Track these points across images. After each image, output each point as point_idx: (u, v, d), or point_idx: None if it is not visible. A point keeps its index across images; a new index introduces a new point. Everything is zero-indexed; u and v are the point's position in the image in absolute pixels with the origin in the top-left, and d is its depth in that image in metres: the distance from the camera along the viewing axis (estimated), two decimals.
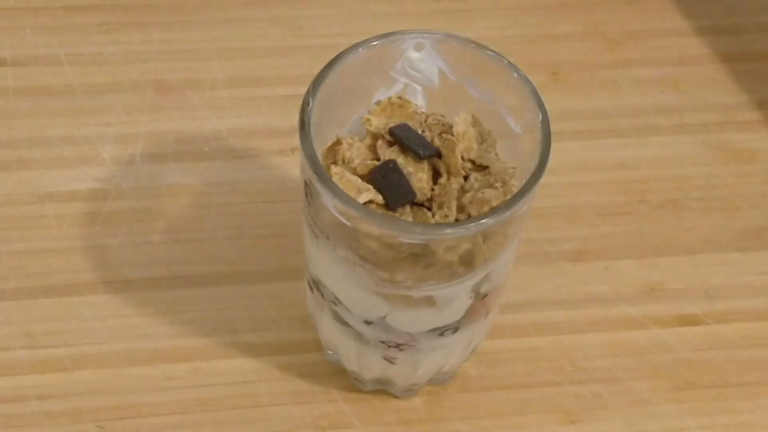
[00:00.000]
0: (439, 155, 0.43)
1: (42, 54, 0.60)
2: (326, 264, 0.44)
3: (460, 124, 0.44)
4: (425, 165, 0.43)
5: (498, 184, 0.42)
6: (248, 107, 0.59)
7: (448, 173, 0.43)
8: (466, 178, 0.43)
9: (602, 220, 0.56)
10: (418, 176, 0.42)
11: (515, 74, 0.44)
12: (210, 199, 0.56)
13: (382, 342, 0.46)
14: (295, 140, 0.42)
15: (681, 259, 0.55)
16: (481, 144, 0.44)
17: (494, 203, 0.42)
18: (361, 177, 0.42)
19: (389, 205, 0.42)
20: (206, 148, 0.57)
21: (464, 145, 0.43)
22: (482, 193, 0.42)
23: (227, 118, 0.58)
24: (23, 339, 0.51)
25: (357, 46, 0.44)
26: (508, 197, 0.42)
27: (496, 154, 0.44)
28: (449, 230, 0.41)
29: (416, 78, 0.45)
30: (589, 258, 0.55)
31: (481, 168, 0.43)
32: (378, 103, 0.44)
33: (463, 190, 0.43)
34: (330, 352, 0.50)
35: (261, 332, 0.52)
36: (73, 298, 0.52)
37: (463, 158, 0.43)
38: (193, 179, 0.56)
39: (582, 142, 0.59)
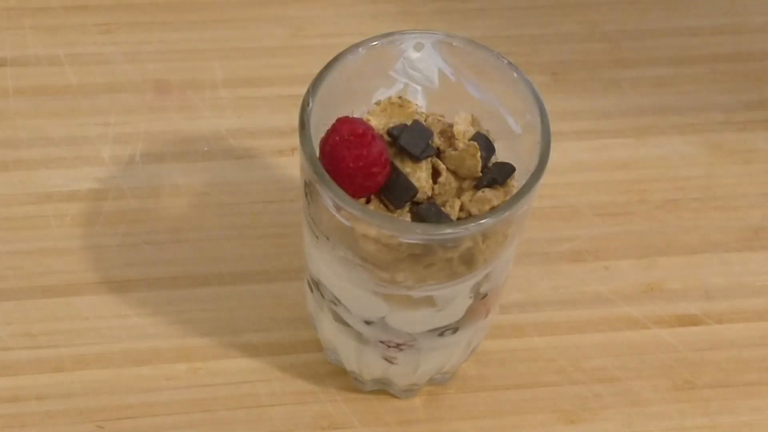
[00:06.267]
0: (438, 154, 0.43)
1: (42, 54, 0.60)
2: (326, 264, 0.44)
3: (460, 123, 0.44)
4: (424, 164, 0.43)
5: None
6: (248, 107, 0.59)
7: (450, 172, 0.43)
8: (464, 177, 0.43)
9: (602, 220, 0.56)
10: (417, 176, 0.42)
11: (515, 74, 0.44)
12: (210, 199, 0.56)
13: (382, 342, 0.46)
14: (295, 140, 0.42)
15: (681, 259, 0.55)
16: None
17: (495, 202, 0.42)
18: None
19: (393, 204, 0.42)
20: (206, 148, 0.57)
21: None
22: (483, 192, 0.42)
23: (227, 118, 0.58)
24: (23, 339, 0.51)
25: (357, 46, 0.44)
26: (508, 197, 0.42)
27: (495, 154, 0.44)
28: (449, 230, 0.40)
29: (416, 78, 0.45)
30: (589, 258, 0.55)
31: None
32: (378, 103, 0.44)
33: (461, 189, 0.43)
34: (330, 352, 0.50)
35: (261, 332, 0.52)
36: (73, 298, 0.52)
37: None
38: (193, 179, 0.56)
39: (582, 142, 0.59)
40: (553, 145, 0.42)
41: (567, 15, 0.64)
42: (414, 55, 0.45)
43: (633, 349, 0.52)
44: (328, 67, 0.43)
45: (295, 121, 0.42)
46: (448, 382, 0.51)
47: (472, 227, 0.40)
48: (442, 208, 0.42)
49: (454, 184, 0.43)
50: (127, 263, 0.53)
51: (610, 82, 0.61)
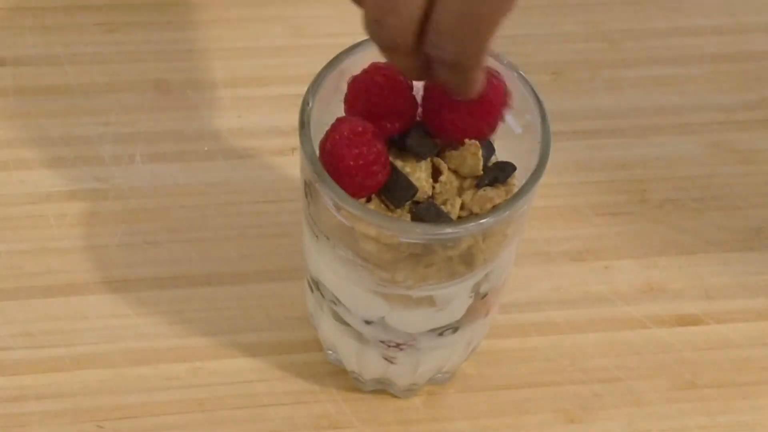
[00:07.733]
0: (438, 153, 0.43)
1: (42, 54, 0.60)
2: (326, 264, 0.44)
3: None
4: (424, 164, 0.43)
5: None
6: (248, 107, 0.59)
7: (451, 171, 0.43)
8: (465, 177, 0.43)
9: (602, 220, 0.56)
10: (417, 175, 0.42)
11: (515, 74, 0.44)
12: (210, 199, 0.56)
13: (382, 342, 0.46)
14: (295, 140, 0.42)
15: (681, 259, 0.55)
16: None
17: (496, 200, 0.42)
18: None
19: (393, 203, 0.42)
20: (206, 148, 0.57)
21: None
22: (484, 190, 0.42)
23: (227, 118, 0.59)
24: (23, 339, 0.51)
25: (357, 46, 0.44)
26: (510, 196, 0.42)
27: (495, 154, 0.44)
28: (449, 229, 0.40)
29: None
30: (589, 258, 0.55)
31: None
32: None
33: (462, 188, 0.43)
34: (330, 352, 0.50)
35: (261, 332, 0.52)
36: (73, 298, 0.52)
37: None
38: (193, 179, 0.56)
39: (582, 142, 0.59)
40: (553, 145, 0.42)
41: (567, 15, 0.64)
42: None
43: (633, 349, 0.52)
44: (328, 67, 0.43)
45: (295, 121, 0.42)
46: (448, 381, 0.51)
47: (471, 226, 0.40)
48: (444, 207, 0.42)
49: (455, 183, 0.43)
50: (127, 263, 0.53)
51: (610, 82, 0.61)
